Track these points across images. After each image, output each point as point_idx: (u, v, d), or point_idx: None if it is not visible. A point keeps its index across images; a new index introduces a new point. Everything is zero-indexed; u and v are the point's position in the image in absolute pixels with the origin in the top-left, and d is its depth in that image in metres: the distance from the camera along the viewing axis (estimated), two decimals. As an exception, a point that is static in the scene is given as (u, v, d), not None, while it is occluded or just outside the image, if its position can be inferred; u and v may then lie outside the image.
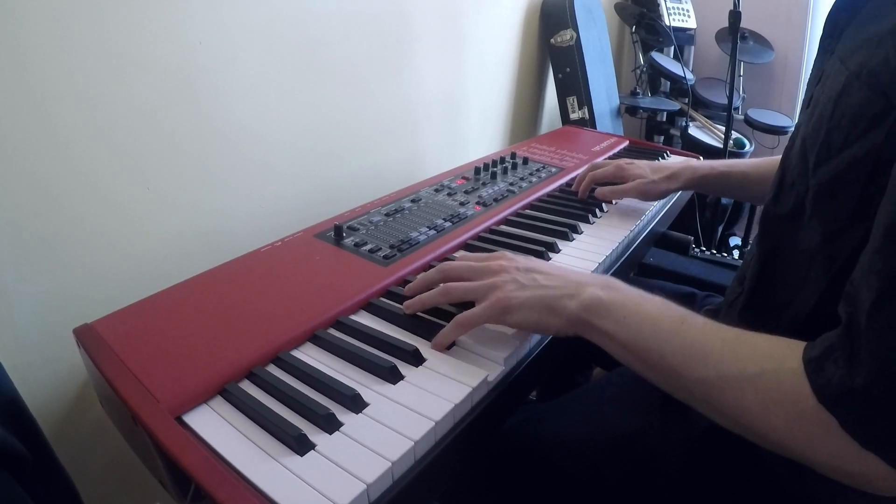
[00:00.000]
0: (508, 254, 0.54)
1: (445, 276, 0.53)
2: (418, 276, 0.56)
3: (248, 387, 0.45)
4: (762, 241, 0.52)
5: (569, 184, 0.92)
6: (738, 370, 0.38)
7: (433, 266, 0.64)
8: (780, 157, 0.52)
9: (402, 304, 0.54)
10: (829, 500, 0.46)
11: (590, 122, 1.60)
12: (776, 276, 0.49)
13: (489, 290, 0.49)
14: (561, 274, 0.50)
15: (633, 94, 1.82)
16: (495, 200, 0.81)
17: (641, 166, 0.81)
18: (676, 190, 0.82)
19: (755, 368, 0.38)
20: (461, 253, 0.67)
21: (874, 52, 0.38)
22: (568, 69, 1.58)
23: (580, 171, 0.88)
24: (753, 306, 0.53)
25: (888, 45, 0.36)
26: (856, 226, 0.39)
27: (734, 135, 1.79)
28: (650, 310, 0.45)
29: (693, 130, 1.85)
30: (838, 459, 0.35)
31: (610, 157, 1.06)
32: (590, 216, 0.78)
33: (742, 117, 1.83)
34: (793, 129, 1.83)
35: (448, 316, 0.51)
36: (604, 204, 0.82)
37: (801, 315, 0.45)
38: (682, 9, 1.96)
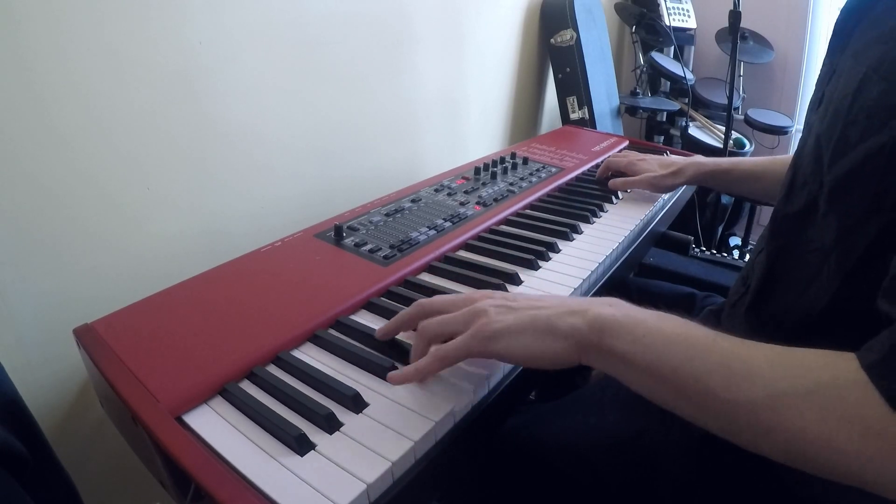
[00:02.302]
0: (488, 291, 0.48)
1: (421, 313, 0.47)
2: (396, 317, 0.49)
3: (248, 387, 0.45)
4: (771, 240, 0.51)
5: (569, 183, 0.92)
6: (791, 387, 0.34)
7: (434, 266, 0.64)
8: (787, 156, 0.52)
9: (396, 313, 0.49)
10: (834, 502, 0.45)
11: (590, 122, 1.60)
12: (785, 275, 0.49)
13: (471, 317, 0.43)
14: (555, 298, 0.45)
15: (633, 94, 1.82)
16: (495, 200, 0.81)
17: (651, 161, 0.87)
18: (682, 184, 0.85)
19: (810, 383, 0.33)
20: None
21: (892, 46, 0.38)
22: (568, 69, 1.58)
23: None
24: (760, 305, 0.52)
25: None
26: (871, 220, 0.38)
27: (734, 135, 1.79)
28: (674, 327, 0.39)
29: (693, 130, 1.85)
30: None
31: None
32: (590, 216, 0.78)
33: (742, 117, 1.83)
34: (793, 128, 1.82)
35: None
36: (605, 204, 0.83)
37: (812, 313, 0.44)
38: (682, 9, 1.96)
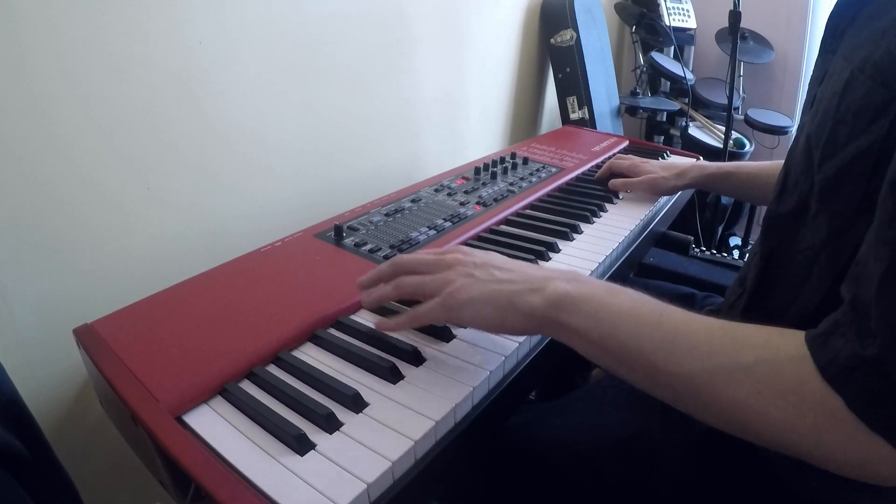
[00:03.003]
0: (465, 248, 0.51)
1: (398, 270, 0.50)
2: (372, 270, 0.52)
3: (248, 387, 0.45)
4: (764, 241, 0.52)
5: (569, 183, 0.92)
6: (731, 361, 0.36)
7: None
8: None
9: (396, 312, 0.52)
10: (832, 501, 0.45)
11: (590, 122, 1.60)
12: (778, 276, 0.49)
13: (442, 285, 0.46)
14: (520, 268, 0.47)
15: (633, 94, 1.82)
16: (495, 200, 0.81)
17: (654, 164, 0.88)
18: (684, 187, 0.85)
19: (749, 358, 0.35)
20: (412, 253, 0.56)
21: (878, 45, 0.38)
22: (568, 69, 1.58)
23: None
24: (756, 307, 0.52)
25: (891, 37, 0.36)
26: (860, 220, 0.38)
27: (734, 135, 1.79)
28: (624, 302, 0.42)
29: (693, 130, 1.85)
30: (843, 448, 0.32)
31: (611, 158, 1.07)
32: (590, 216, 0.78)
33: (742, 117, 1.83)
34: (793, 128, 1.82)
35: None
36: (605, 203, 0.83)
37: (804, 314, 0.44)
38: (682, 9, 1.96)
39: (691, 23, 1.99)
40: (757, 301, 0.52)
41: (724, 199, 1.80)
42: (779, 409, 0.34)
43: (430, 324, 0.49)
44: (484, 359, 0.48)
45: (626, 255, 0.73)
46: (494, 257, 0.49)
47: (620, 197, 0.87)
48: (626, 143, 1.14)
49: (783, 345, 0.35)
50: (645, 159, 0.91)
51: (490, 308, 0.44)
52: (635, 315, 0.40)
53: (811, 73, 0.52)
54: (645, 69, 1.92)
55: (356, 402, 0.42)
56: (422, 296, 0.47)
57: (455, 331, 0.52)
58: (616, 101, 1.76)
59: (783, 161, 0.70)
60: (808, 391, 0.33)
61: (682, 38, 1.96)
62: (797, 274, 0.46)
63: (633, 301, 0.42)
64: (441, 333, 0.51)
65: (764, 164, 0.77)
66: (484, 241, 0.71)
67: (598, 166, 1.01)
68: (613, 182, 0.87)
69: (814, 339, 0.34)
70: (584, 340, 0.42)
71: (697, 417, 0.39)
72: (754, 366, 0.35)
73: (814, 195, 0.43)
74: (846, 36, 0.45)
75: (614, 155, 0.96)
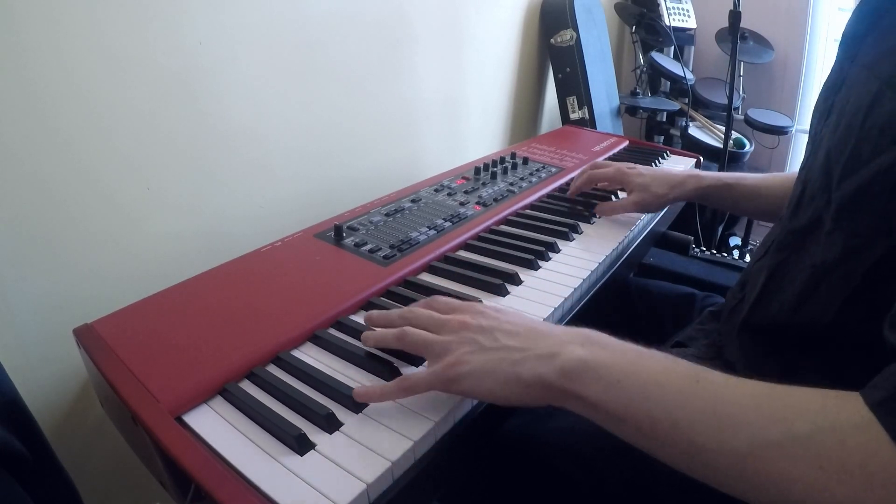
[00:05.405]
0: (478, 306, 0.46)
1: (405, 321, 0.47)
2: (385, 312, 0.49)
3: (248, 387, 0.45)
4: (776, 254, 0.51)
5: (569, 184, 0.92)
6: (783, 433, 0.31)
7: (434, 266, 0.64)
8: (791, 173, 0.51)
9: (392, 310, 0.49)
10: None
11: (590, 122, 1.60)
12: (780, 288, 0.48)
13: (442, 352, 0.42)
14: (529, 331, 0.42)
15: (633, 94, 1.82)
16: (495, 200, 0.81)
17: (643, 174, 0.76)
18: (679, 200, 0.77)
19: (806, 428, 0.30)
20: (427, 300, 0.50)
21: None
22: (568, 69, 1.58)
23: (578, 171, 0.88)
24: (757, 317, 0.52)
25: None
26: (877, 242, 0.37)
27: (734, 135, 1.79)
28: (652, 368, 0.37)
29: (693, 130, 1.85)
30: None
31: (610, 158, 1.06)
32: (590, 216, 0.78)
33: (742, 117, 1.83)
34: (793, 128, 1.79)
35: None
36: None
37: (813, 331, 0.43)
38: (682, 9, 1.96)
39: (691, 23, 1.98)
40: (759, 311, 0.52)
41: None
42: (843, 485, 0.29)
43: (421, 393, 0.43)
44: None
45: (627, 255, 0.73)
46: (505, 317, 0.44)
47: (620, 197, 0.87)
48: (626, 143, 1.14)
49: (843, 410, 0.31)
50: (632, 165, 0.79)
51: (490, 381, 0.40)
52: (665, 383, 0.35)
53: (818, 72, 0.52)
54: (645, 69, 1.92)
55: (356, 402, 0.42)
56: (421, 355, 0.46)
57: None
58: (616, 101, 1.76)
59: (783, 174, 0.68)
60: (877, 462, 0.28)
61: (682, 38, 1.96)
62: (801, 289, 0.45)
63: (663, 366, 0.37)
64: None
65: (765, 176, 0.72)
66: (484, 240, 0.71)
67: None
68: (601, 207, 0.78)
69: (880, 406, 0.29)
70: (603, 414, 0.37)
71: (741, 497, 0.34)
72: (812, 437, 0.30)
73: (830, 212, 0.42)
74: (866, 43, 0.43)
75: (592, 164, 0.83)
